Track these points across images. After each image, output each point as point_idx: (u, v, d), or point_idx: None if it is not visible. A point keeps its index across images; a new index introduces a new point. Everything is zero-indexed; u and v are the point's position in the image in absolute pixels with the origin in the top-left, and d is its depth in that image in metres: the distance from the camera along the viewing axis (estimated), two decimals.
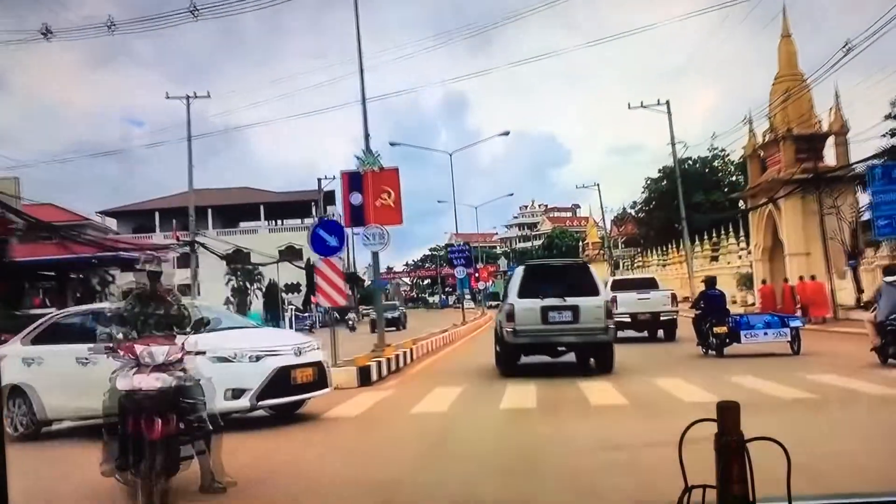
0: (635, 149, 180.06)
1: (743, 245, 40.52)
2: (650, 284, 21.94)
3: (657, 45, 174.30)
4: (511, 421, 9.36)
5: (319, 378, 9.54)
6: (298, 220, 67.11)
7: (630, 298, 20.42)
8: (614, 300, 18.71)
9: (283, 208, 68.77)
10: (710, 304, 15.56)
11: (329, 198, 72.62)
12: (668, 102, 38.62)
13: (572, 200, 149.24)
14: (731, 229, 44.13)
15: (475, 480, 6.07)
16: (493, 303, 44.18)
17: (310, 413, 9.91)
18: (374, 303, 25.24)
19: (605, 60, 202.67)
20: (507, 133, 55.25)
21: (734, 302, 35.49)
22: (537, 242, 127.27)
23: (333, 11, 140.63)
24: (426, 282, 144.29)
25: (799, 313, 22.46)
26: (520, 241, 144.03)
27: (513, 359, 13.51)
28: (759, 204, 31.73)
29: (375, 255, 17.63)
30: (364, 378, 13.52)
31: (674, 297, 21.04)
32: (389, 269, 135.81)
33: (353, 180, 16.81)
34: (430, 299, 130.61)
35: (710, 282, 16.33)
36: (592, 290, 13.09)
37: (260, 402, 8.90)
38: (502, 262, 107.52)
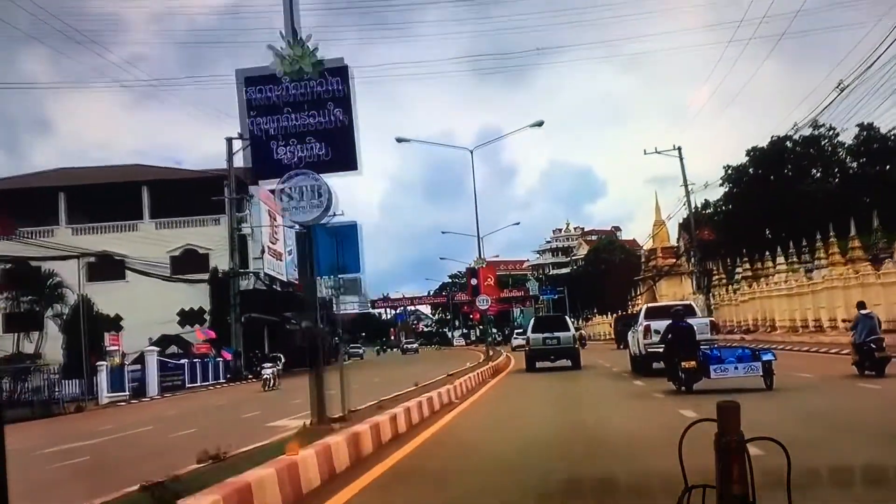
0: (672, 180, 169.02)
1: None
2: (687, 312, 19.74)
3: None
4: None
5: None
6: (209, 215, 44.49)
7: (665, 327, 18.63)
8: (648, 329, 20.14)
9: (187, 192, 43.69)
10: (677, 337, 15.48)
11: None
12: None
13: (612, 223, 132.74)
14: None
15: None
16: (523, 338, 38.36)
17: None
18: None
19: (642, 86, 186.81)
20: (540, 123, 37.36)
21: None
22: (576, 266, 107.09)
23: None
24: (448, 315, 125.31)
25: None
26: (553, 268, 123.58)
27: (533, 363, 27.39)
28: None
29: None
30: None
31: (713, 325, 21.34)
32: (409, 299, 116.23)
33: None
34: (451, 334, 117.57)
35: (678, 314, 16.47)
36: (566, 329, 28.18)
37: None
38: (533, 286, 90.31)
